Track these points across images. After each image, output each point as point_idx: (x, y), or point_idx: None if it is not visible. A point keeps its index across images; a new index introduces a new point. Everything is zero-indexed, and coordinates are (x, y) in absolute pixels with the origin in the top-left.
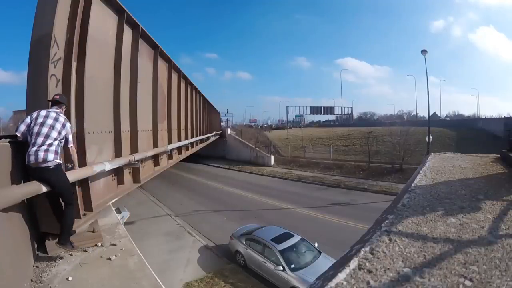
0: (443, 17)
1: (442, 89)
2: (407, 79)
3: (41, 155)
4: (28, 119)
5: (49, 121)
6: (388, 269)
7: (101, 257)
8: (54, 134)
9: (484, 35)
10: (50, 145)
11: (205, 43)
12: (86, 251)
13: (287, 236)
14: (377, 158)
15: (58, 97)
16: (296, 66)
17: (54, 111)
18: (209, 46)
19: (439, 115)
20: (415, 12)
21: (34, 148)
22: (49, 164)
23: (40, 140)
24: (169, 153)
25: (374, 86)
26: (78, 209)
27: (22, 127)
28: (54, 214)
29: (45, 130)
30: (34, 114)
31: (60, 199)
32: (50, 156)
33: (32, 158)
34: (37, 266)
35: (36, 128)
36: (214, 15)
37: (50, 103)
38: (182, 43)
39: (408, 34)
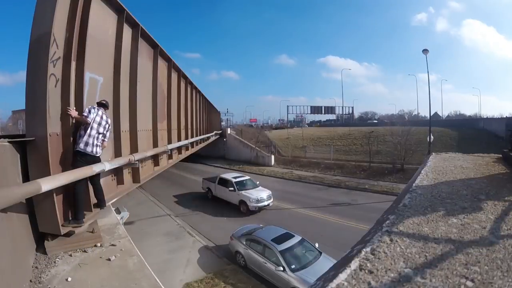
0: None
1: (437, 87)
2: (400, 77)
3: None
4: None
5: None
6: (389, 269)
7: (101, 257)
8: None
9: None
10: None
11: (185, 43)
12: (86, 252)
13: (287, 236)
14: (378, 158)
15: (105, 101)
16: (280, 64)
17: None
18: (189, 46)
19: (441, 115)
20: (398, 6)
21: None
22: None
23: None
24: (169, 153)
25: (367, 85)
26: None
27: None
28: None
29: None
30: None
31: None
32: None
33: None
34: (36, 267)
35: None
36: (193, 15)
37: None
38: (160, 42)
39: (392, 30)
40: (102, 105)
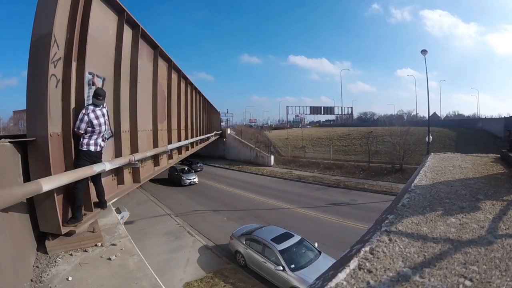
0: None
1: (418, 84)
2: (379, 75)
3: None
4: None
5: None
6: (388, 269)
7: (101, 257)
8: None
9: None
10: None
11: None
12: (86, 251)
13: (287, 236)
14: (377, 158)
15: (100, 97)
16: (248, 64)
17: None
18: None
19: (439, 115)
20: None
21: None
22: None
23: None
24: (169, 153)
25: (348, 84)
26: None
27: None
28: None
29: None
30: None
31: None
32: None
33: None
34: (37, 266)
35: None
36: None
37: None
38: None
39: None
40: (95, 100)
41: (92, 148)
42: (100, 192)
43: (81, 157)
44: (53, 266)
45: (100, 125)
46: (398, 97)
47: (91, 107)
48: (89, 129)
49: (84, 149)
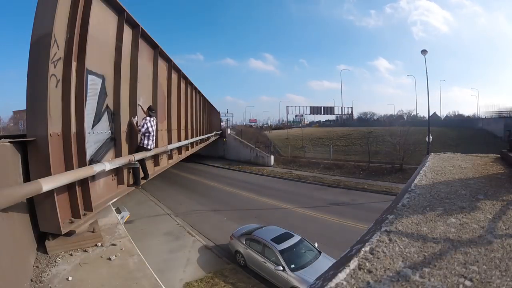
0: None
1: (401, 86)
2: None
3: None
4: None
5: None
6: (388, 269)
7: (101, 257)
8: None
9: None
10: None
11: None
12: (86, 251)
13: (287, 236)
14: (377, 158)
15: (154, 110)
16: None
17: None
18: None
19: (439, 115)
20: None
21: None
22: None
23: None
24: (169, 153)
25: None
26: (78, 209)
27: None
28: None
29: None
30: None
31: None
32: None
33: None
34: (37, 266)
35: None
36: None
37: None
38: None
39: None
40: (150, 113)
41: (149, 146)
42: (144, 168)
43: (141, 151)
44: (53, 266)
45: (155, 130)
46: (378, 94)
47: (148, 118)
48: (146, 133)
49: (144, 146)
